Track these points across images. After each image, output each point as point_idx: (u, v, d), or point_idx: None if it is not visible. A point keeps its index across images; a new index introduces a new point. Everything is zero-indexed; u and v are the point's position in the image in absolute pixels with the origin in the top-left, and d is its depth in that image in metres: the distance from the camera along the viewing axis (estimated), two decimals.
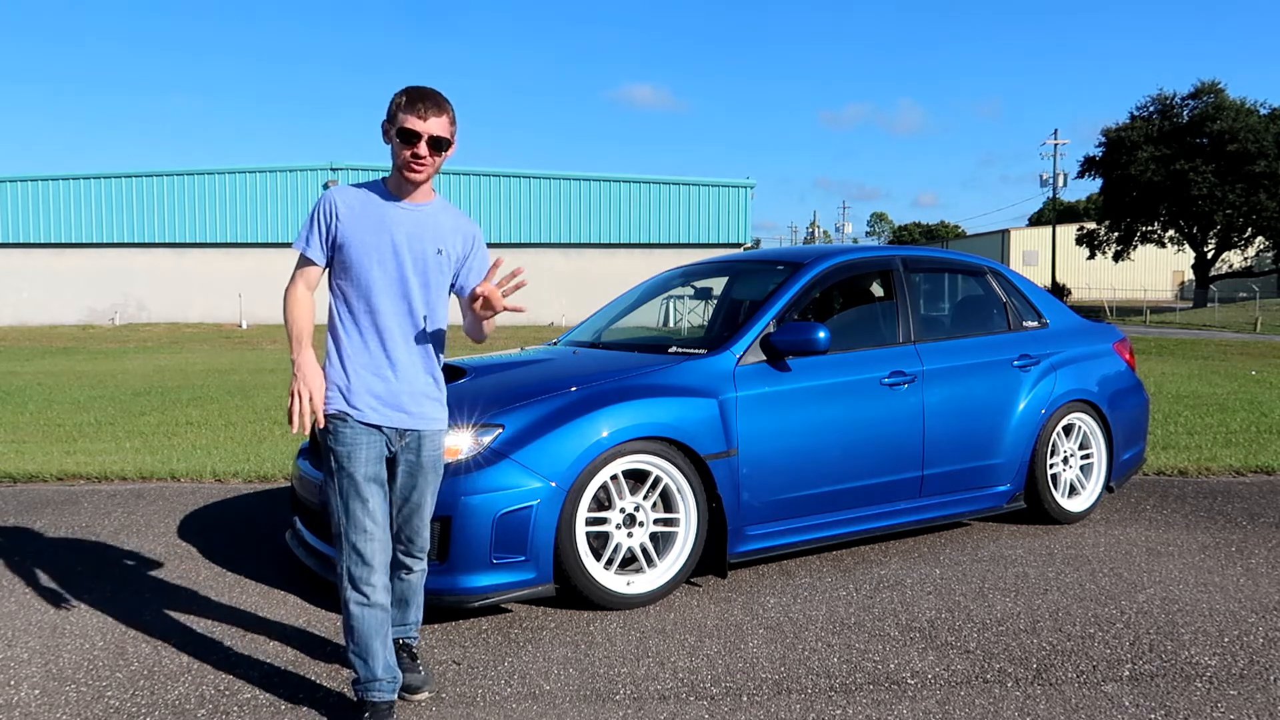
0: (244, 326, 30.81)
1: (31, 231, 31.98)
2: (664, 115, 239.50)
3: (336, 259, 2.89)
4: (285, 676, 3.26)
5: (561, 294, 31.77)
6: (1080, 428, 5.31)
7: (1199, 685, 3.18)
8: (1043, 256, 63.46)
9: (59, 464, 6.78)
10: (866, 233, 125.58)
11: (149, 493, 6.07)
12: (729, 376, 4.23)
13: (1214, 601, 3.99)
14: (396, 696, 2.92)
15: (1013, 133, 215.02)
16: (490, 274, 2.91)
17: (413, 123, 2.80)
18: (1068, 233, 57.01)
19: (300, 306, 2.91)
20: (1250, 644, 3.53)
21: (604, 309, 5.75)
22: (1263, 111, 42.02)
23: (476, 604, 3.66)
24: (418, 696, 3.09)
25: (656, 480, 3.98)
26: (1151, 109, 44.36)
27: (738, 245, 33.15)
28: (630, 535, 3.96)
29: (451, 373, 4.38)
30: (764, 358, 4.36)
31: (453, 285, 3.03)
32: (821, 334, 4.26)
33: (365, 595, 2.83)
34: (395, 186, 2.92)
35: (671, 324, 9.19)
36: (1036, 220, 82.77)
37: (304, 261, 2.91)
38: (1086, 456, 5.36)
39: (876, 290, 5.27)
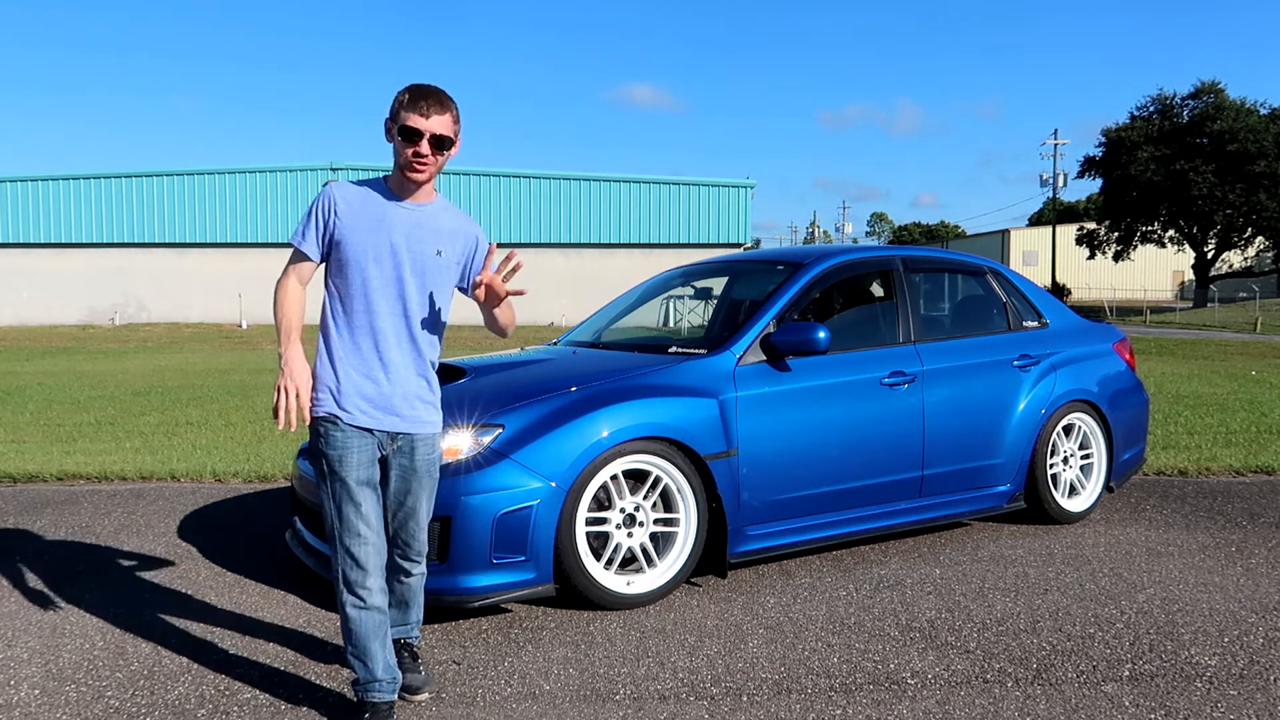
0: (244, 327, 30.81)
1: (31, 231, 31.99)
2: (664, 115, 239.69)
3: (332, 256, 2.85)
4: (285, 676, 3.26)
5: (561, 294, 31.76)
6: (1080, 428, 5.31)
7: (1199, 685, 3.18)
8: (1043, 256, 63.47)
9: (59, 464, 6.79)
10: (866, 233, 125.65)
11: (149, 493, 6.07)
12: (729, 376, 4.23)
13: (1214, 601, 3.99)
14: (396, 697, 2.92)
15: (1012, 133, 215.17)
16: (487, 263, 2.91)
17: (415, 120, 2.75)
18: (1068, 233, 57.01)
19: (290, 300, 2.84)
20: (1250, 644, 3.53)
21: (604, 309, 5.75)
22: (1263, 111, 42.03)
23: (476, 604, 3.66)
24: (418, 697, 3.09)
25: (656, 480, 3.98)
26: (1151, 109, 44.37)
27: (738, 245, 33.15)
28: (630, 535, 3.96)
29: (451, 373, 4.38)
30: (764, 358, 4.36)
31: (463, 289, 3.02)
32: (821, 334, 4.26)
33: (361, 599, 2.82)
34: (396, 185, 2.88)
35: (671, 324, 9.19)
36: (1036, 220, 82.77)
37: (299, 256, 2.86)
38: (1086, 456, 5.36)
39: (876, 290, 5.27)
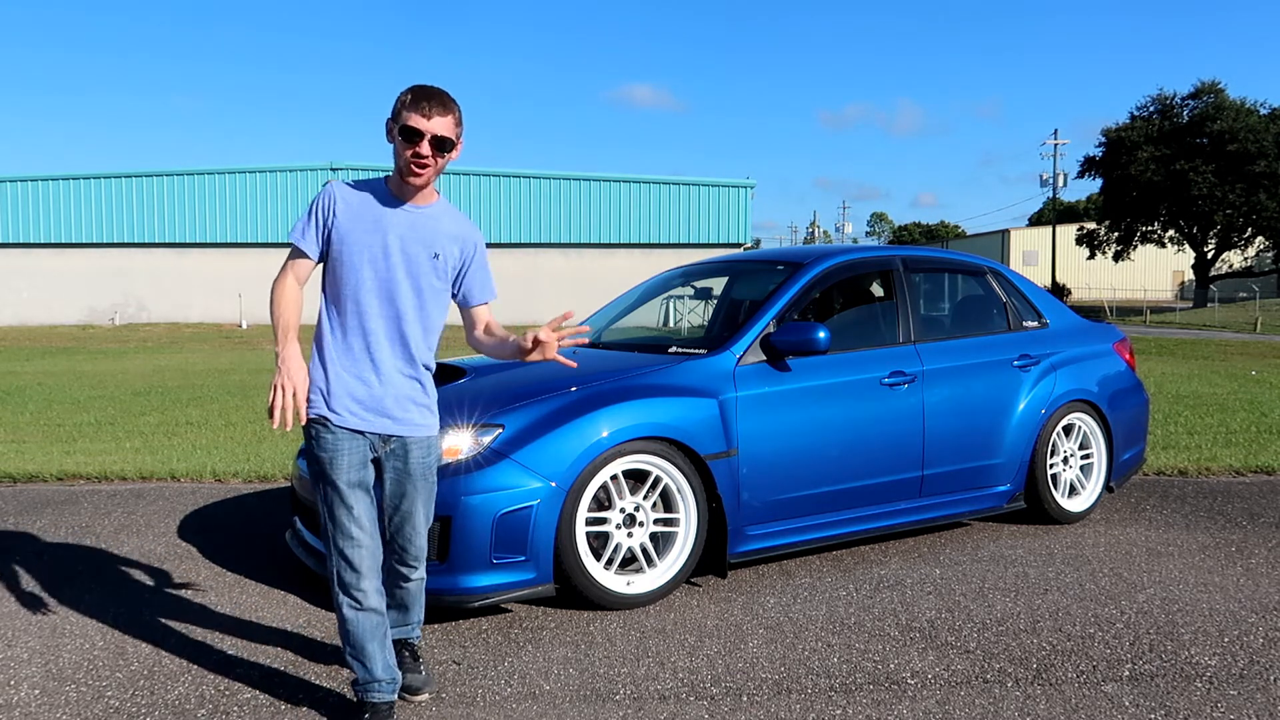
0: (244, 326, 30.81)
1: (31, 231, 31.99)
2: (664, 115, 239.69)
3: (329, 255, 2.83)
4: (285, 676, 3.26)
5: (561, 294, 31.75)
6: (1080, 428, 5.31)
7: (1199, 685, 3.18)
8: (1043, 256, 63.47)
9: (59, 464, 6.78)
10: (866, 233, 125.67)
11: (149, 493, 6.07)
12: (729, 376, 4.23)
13: (1214, 601, 3.99)
14: (396, 697, 2.92)
15: (1012, 133, 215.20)
16: (555, 322, 2.89)
17: (416, 121, 2.73)
18: (1068, 233, 57.02)
19: (287, 299, 2.81)
20: (1250, 644, 3.53)
21: (604, 309, 5.75)
22: (1263, 111, 42.02)
23: (476, 604, 3.66)
24: (418, 697, 3.08)
25: (656, 480, 3.98)
26: (1151, 109, 44.36)
27: (738, 245, 33.15)
28: (630, 535, 3.96)
29: (451, 373, 4.38)
30: (764, 358, 4.35)
31: (454, 294, 2.98)
32: (821, 334, 4.26)
33: (357, 600, 2.81)
34: (396, 186, 2.86)
35: (671, 324, 9.18)
36: (1036, 220, 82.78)
37: (297, 253, 2.84)
38: (1086, 456, 5.36)
39: (876, 290, 5.27)
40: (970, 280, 5.54)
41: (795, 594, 4.11)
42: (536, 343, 2.84)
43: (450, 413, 3.79)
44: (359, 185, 2.88)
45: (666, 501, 4.03)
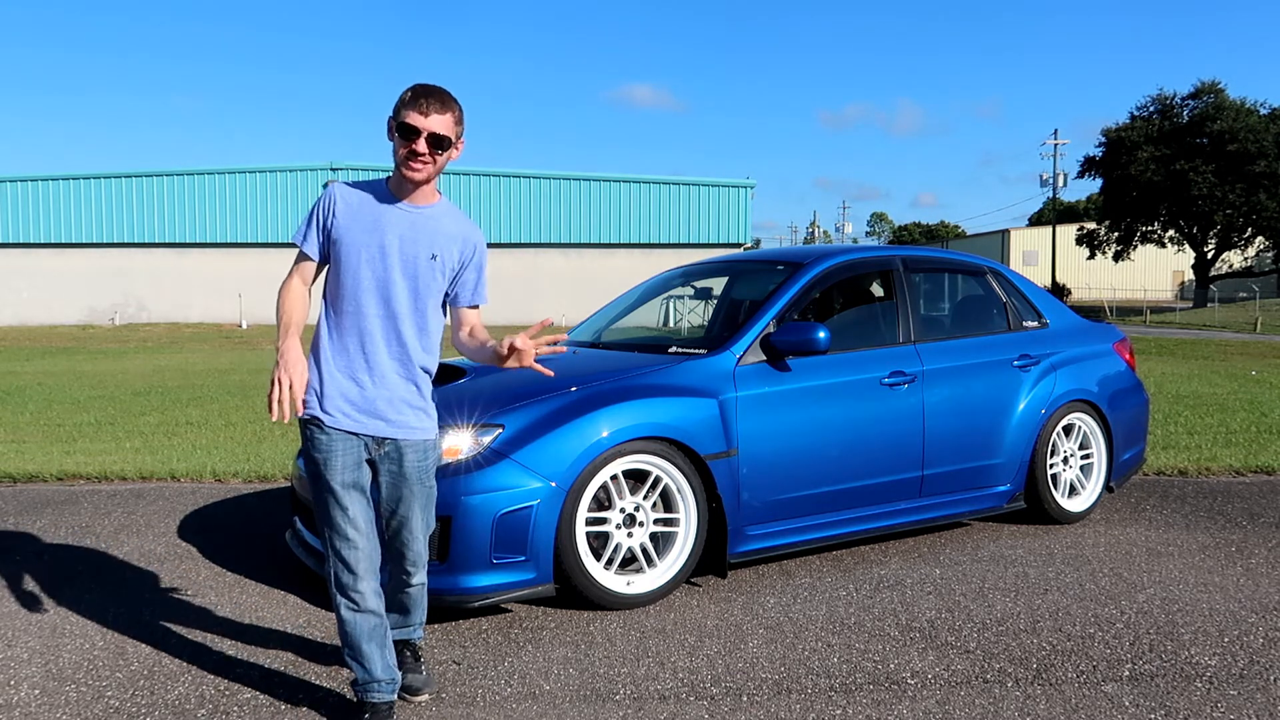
0: (244, 326, 30.81)
1: (31, 231, 32.00)
2: (664, 115, 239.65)
3: (330, 256, 2.83)
4: (285, 677, 3.26)
5: (561, 294, 31.76)
6: (1080, 428, 5.31)
7: (1199, 685, 3.18)
8: (1043, 256, 63.46)
9: (59, 464, 6.78)
10: (866, 233, 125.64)
11: (149, 493, 6.07)
12: (729, 376, 4.23)
13: (1214, 601, 3.99)
14: (396, 697, 2.92)
15: (1012, 133, 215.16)
16: (534, 329, 2.86)
17: (414, 118, 2.72)
18: (1068, 233, 57.01)
19: (292, 297, 2.83)
20: (1250, 644, 3.53)
21: (604, 309, 5.75)
22: (1263, 111, 42.00)
23: (476, 604, 3.66)
24: (418, 697, 3.08)
25: (656, 480, 3.98)
26: (1151, 109, 44.35)
27: (738, 245, 33.15)
28: (630, 535, 3.96)
29: (451, 373, 4.38)
30: (764, 358, 4.35)
31: (446, 294, 2.94)
32: (821, 334, 4.26)
33: (354, 602, 2.81)
34: (396, 186, 2.85)
35: (671, 324, 9.18)
36: (1036, 220, 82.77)
37: (300, 256, 2.86)
38: (1086, 456, 5.36)
39: (876, 290, 5.27)
40: (970, 280, 5.54)
41: (795, 594, 4.11)
42: (512, 349, 2.80)
43: (450, 413, 3.79)
44: (360, 186, 2.88)
45: (666, 501, 4.03)
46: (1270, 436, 8.02)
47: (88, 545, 4.87)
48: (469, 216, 3.01)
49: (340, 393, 2.80)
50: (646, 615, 3.85)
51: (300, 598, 4.05)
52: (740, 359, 4.31)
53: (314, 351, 2.85)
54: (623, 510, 3.94)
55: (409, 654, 3.13)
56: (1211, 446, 7.48)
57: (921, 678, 3.25)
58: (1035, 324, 5.43)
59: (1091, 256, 48.24)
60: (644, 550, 3.99)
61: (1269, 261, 48.53)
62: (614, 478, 3.90)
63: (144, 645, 3.53)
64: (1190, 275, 51.25)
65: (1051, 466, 5.17)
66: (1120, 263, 47.85)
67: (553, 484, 3.71)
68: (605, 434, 3.82)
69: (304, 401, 2.79)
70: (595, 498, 3.88)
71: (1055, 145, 53.39)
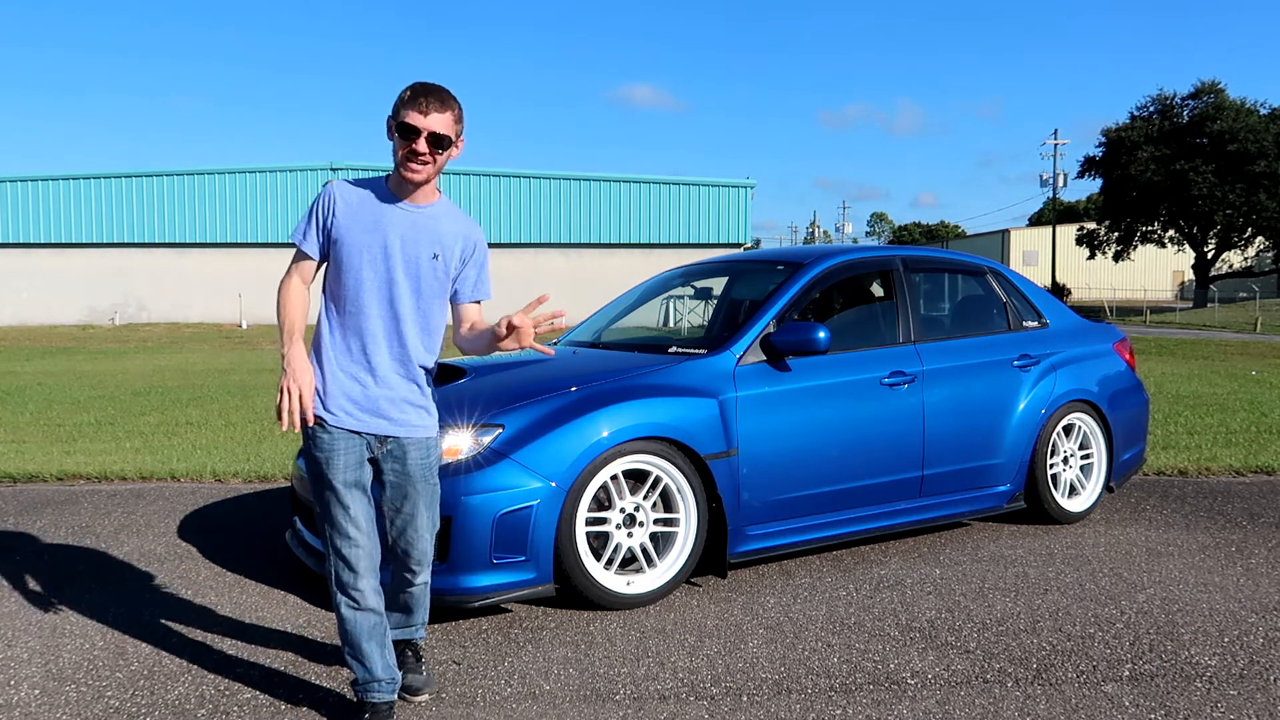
0: (244, 326, 30.81)
1: (31, 231, 31.99)
2: (664, 115, 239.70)
3: (330, 255, 2.83)
4: (285, 677, 3.26)
5: (561, 294, 31.62)
6: (1080, 428, 5.31)
7: (1199, 685, 3.18)
8: (1043, 256, 63.47)
9: (59, 464, 6.79)
10: (866, 233, 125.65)
11: (149, 493, 6.07)
12: (729, 376, 4.23)
13: (1214, 601, 3.99)
14: (396, 697, 2.92)
15: (1012, 133, 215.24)
16: (530, 307, 2.83)
17: (413, 117, 2.72)
18: (1068, 233, 57.01)
19: (292, 299, 2.82)
20: (1250, 644, 3.53)
21: (604, 309, 5.75)
22: (1263, 111, 41.99)
23: (477, 604, 3.66)
24: (418, 697, 3.08)
25: (656, 480, 3.98)
26: (1151, 109, 44.34)
27: (738, 245, 33.15)
28: (630, 535, 3.96)
29: (451, 373, 4.38)
30: (764, 358, 4.35)
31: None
32: (821, 334, 4.26)
33: (355, 600, 2.81)
34: (395, 185, 2.84)
35: (671, 324, 9.19)
36: (1036, 220, 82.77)
37: (299, 255, 2.85)
38: (1086, 456, 5.36)
39: (876, 290, 5.27)
40: (970, 280, 5.54)
41: (795, 594, 4.11)
42: (511, 328, 2.77)
43: (450, 413, 3.79)
44: (360, 184, 2.87)
45: (666, 501, 4.03)
46: (1270, 436, 8.02)
47: (88, 545, 4.87)
48: (473, 219, 3.01)
49: (343, 392, 2.81)
50: (646, 615, 3.85)
51: (300, 598, 4.05)
52: (740, 359, 4.31)
53: (315, 350, 2.84)
54: (623, 510, 3.94)
55: (410, 654, 3.13)
56: (1211, 446, 7.48)
57: (921, 678, 3.25)
58: (1035, 324, 5.43)
59: (1091, 256, 48.24)
60: (644, 550, 3.99)
61: (1269, 261, 48.52)
62: (614, 478, 3.90)
63: (144, 645, 3.53)
64: (1190, 275, 51.25)
65: (1051, 466, 5.17)
66: (1120, 263, 47.85)
67: (553, 484, 3.71)
68: (605, 434, 3.82)
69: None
70: (595, 498, 3.88)
71: (1055, 145, 53.40)
